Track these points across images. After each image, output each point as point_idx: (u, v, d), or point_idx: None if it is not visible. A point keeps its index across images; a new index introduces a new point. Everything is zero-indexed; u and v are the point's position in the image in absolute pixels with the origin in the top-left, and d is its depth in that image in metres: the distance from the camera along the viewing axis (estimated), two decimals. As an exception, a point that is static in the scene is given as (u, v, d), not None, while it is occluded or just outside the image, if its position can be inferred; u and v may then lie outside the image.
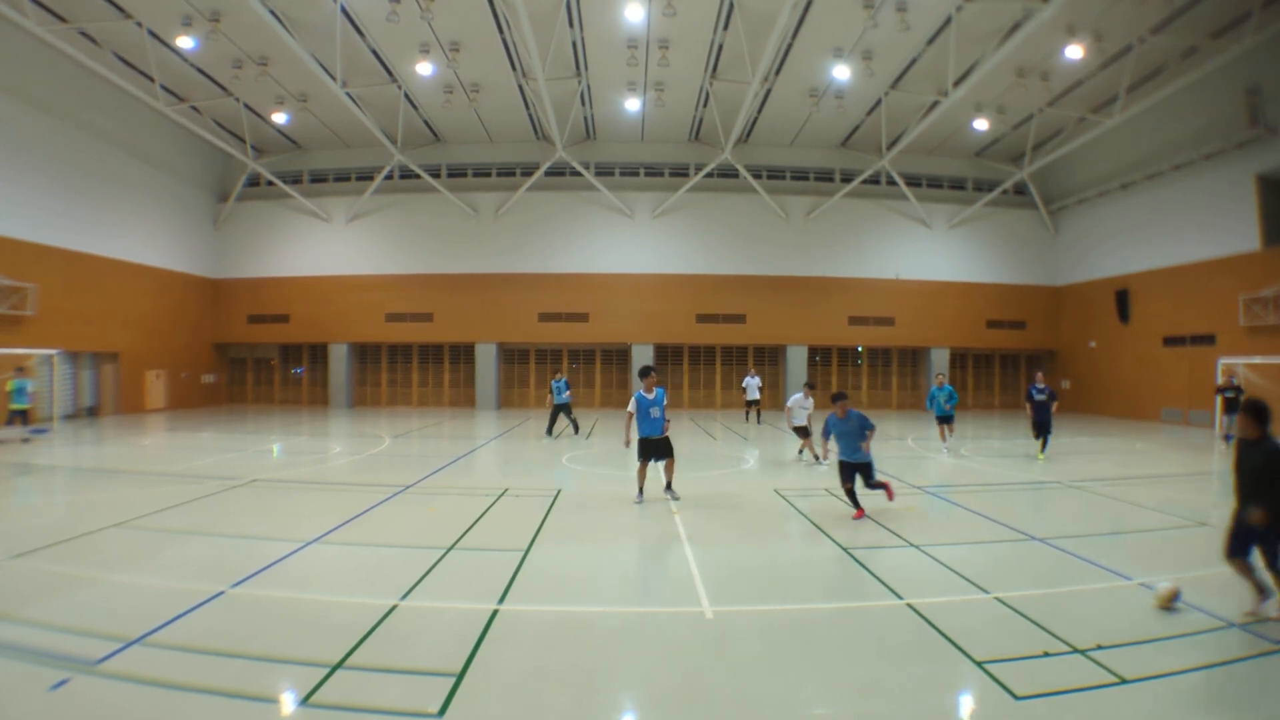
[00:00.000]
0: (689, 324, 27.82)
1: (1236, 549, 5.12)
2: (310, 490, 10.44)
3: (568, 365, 29.31)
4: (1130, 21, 18.48)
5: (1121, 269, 25.25)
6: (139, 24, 18.75)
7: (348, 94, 21.28)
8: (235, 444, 15.71)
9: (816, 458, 12.82)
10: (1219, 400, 17.84)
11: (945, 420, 15.02)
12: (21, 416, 16.05)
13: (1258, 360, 18.43)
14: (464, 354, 28.93)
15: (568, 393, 17.07)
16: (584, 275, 27.68)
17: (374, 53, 20.86)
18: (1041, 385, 13.71)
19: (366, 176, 27.94)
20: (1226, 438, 16.22)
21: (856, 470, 8.63)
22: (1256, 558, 5.05)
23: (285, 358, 29.93)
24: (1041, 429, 13.73)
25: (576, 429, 17.86)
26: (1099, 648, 4.52)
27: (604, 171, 27.90)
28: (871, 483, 8.67)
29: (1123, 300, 25.01)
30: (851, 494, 8.61)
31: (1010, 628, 4.97)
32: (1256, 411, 5.16)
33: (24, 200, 19.31)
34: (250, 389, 30.00)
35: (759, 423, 21.55)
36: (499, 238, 27.75)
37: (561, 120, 24.01)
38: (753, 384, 21.81)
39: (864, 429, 8.58)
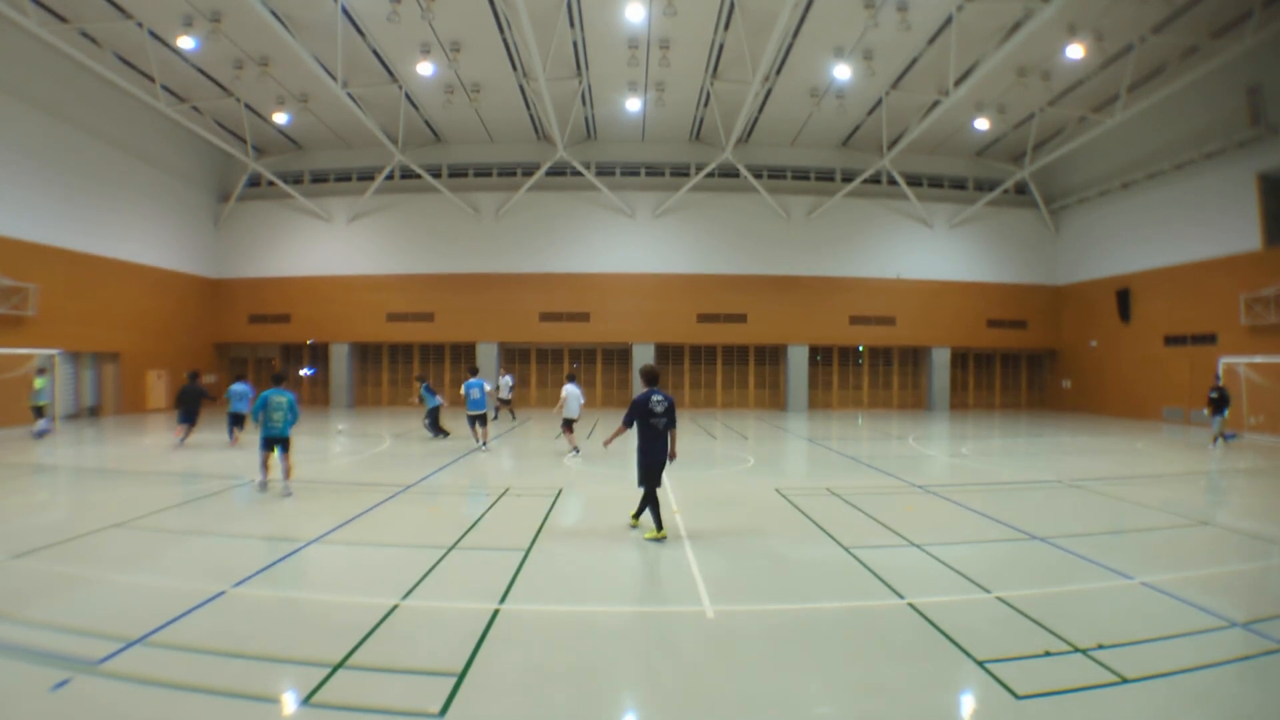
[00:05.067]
0: (690, 324, 27.82)
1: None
2: (311, 490, 10.44)
3: (569, 365, 29.32)
4: (1131, 21, 18.46)
5: (1122, 268, 25.23)
6: (140, 24, 18.76)
7: (348, 94, 21.28)
8: (236, 444, 15.70)
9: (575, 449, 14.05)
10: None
11: (276, 442, 9.73)
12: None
13: (1259, 360, 18.42)
14: (465, 354, 28.93)
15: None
16: (585, 275, 27.68)
17: (375, 53, 20.87)
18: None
19: (367, 176, 27.95)
20: (1217, 438, 16.07)
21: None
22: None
23: (287, 357, 29.94)
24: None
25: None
26: (1100, 647, 4.52)
27: (605, 171, 27.90)
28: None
29: (1124, 299, 24.99)
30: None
31: (1011, 627, 4.97)
32: (645, 374, 7.68)
33: (25, 200, 19.33)
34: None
35: (495, 417, 19.72)
36: (500, 238, 27.76)
37: (562, 120, 24.01)
38: (505, 382, 21.16)
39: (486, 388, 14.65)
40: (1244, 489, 11.75)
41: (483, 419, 14.80)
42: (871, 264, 28.24)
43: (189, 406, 14.78)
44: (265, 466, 10.00)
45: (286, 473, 9.73)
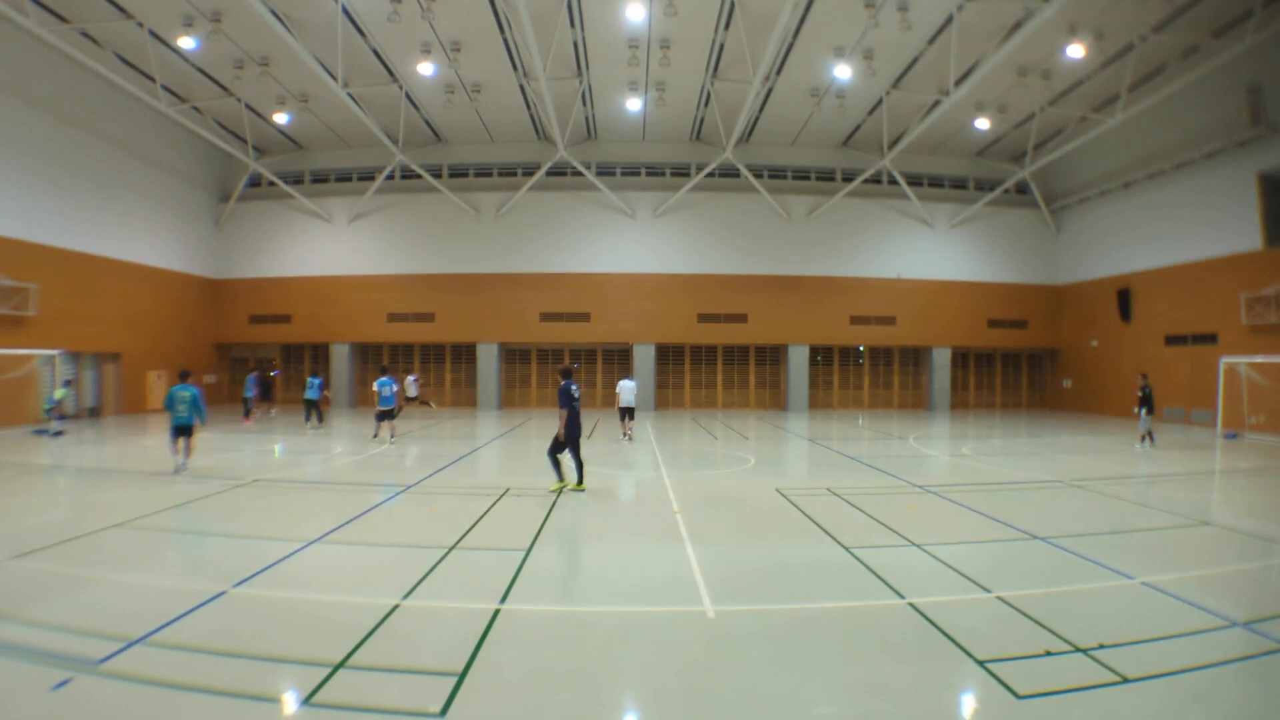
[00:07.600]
0: (690, 324, 27.81)
1: (553, 450, 9.94)
2: (312, 490, 10.45)
3: (569, 365, 29.29)
4: (1131, 20, 18.46)
5: (1123, 268, 25.23)
6: (140, 24, 18.77)
7: (349, 94, 21.29)
8: (236, 444, 15.73)
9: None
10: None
11: (185, 432, 11.35)
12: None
13: (1259, 359, 18.41)
14: (465, 354, 28.94)
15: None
16: (585, 275, 27.68)
17: (375, 53, 20.87)
18: None
19: (368, 176, 27.96)
20: (1144, 437, 15.83)
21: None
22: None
23: (287, 358, 29.94)
24: None
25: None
26: (1101, 647, 4.52)
27: (605, 171, 27.90)
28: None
29: (1124, 299, 24.98)
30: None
31: (1012, 627, 4.97)
32: (563, 372, 10.41)
33: (25, 200, 19.32)
34: (252, 389, 29.96)
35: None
36: (500, 238, 27.76)
37: (563, 120, 24.01)
38: (410, 381, 23.58)
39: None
40: (1244, 488, 11.74)
41: (390, 415, 15.81)
42: (872, 264, 28.23)
43: (266, 388, 22.11)
44: (177, 451, 11.24)
45: (188, 453, 11.31)
